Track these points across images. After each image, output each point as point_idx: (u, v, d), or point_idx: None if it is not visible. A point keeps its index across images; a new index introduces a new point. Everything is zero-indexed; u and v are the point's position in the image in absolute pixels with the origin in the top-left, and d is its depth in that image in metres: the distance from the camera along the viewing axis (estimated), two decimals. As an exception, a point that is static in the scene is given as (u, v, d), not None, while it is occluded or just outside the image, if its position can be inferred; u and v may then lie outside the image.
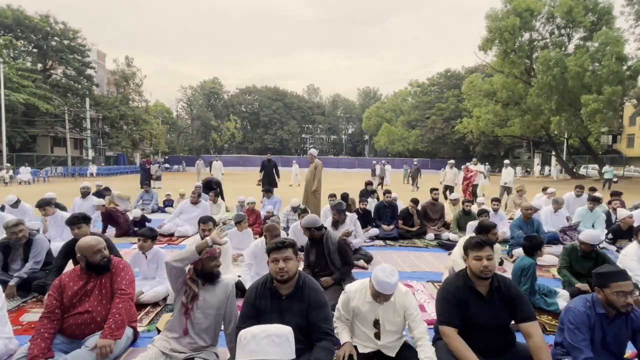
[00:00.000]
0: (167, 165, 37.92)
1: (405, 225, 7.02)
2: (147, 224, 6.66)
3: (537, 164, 38.51)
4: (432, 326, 2.73)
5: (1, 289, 2.69)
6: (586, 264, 3.85)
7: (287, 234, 6.09)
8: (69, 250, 3.64)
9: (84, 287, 2.57)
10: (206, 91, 60.60)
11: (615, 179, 20.21)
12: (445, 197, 10.41)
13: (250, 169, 34.50)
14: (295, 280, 2.28)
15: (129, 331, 2.71)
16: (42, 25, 31.84)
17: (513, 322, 2.35)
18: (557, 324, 3.24)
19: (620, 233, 5.73)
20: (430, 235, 6.85)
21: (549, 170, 35.51)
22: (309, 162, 8.11)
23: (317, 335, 2.21)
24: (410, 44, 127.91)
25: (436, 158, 46.90)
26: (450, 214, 7.46)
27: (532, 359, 2.19)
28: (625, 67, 22.75)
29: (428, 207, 7.48)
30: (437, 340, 2.43)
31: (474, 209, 6.94)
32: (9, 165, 24.13)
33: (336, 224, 5.45)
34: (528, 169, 37.08)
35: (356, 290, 2.47)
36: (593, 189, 7.63)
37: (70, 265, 3.69)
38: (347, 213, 5.76)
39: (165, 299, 3.69)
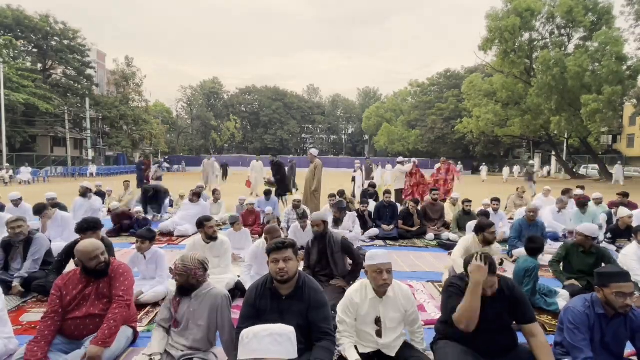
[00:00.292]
0: (167, 165, 37.89)
1: (405, 225, 7.02)
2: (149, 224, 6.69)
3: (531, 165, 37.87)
4: (432, 326, 2.73)
5: (1, 289, 2.69)
6: (587, 261, 3.85)
7: (287, 234, 6.12)
8: (70, 251, 3.64)
9: (82, 291, 2.57)
10: (206, 91, 60.59)
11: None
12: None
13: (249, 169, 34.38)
14: (295, 280, 2.29)
15: (128, 331, 2.71)
16: (42, 25, 31.84)
17: (514, 322, 2.36)
18: (557, 324, 3.25)
19: (619, 232, 5.72)
20: (430, 235, 6.85)
21: (547, 170, 35.53)
22: (309, 162, 8.13)
23: (317, 335, 2.22)
24: (410, 44, 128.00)
25: (436, 158, 46.87)
26: (450, 214, 7.47)
27: (533, 359, 2.20)
28: (625, 67, 22.76)
29: (428, 207, 7.49)
30: (439, 340, 2.43)
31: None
32: (8, 165, 24.14)
33: (337, 222, 5.51)
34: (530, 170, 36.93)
35: (356, 290, 2.47)
36: (581, 187, 7.60)
37: (70, 265, 3.70)
38: (347, 211, 5.81)
39: (165, 298, 3.68)
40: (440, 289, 4.11)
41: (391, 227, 6.88)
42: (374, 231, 6.78)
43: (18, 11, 30.84)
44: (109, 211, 9.32)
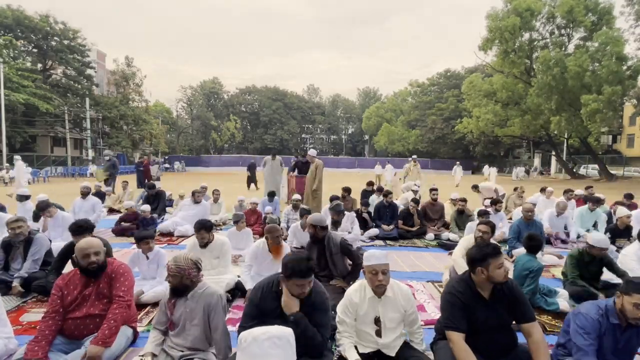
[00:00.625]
0: (167, 165, 37.89)
1: (405, 225, 7.02)
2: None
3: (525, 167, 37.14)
4: (432, 326, 2.73)
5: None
6: (592, 268, 3.84)
7: (287, 234, 6.12)
8: (68, 251, 3.64)
9: (82, 291, 2.57)
10: (206, 91, 60.56)
11: None
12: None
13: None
14: None
15: (128, 331, 2.71)
16: (42, 25, 31.83)
17: (514, 322, 2.36)
18: (557, 324, 3.25)
19: (618, 232, 5.72)
20: (430, 235, 6.85)
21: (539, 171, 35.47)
22: (309, 162, 8.13)
23: None
24: (410, 44, 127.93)
25: (436, 158, 46.90)
26: (450, 214, 7.47)
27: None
28: (625, 67, 22.77)
29: (428, 207, 7.49)
30: (438, 340, 2.43)
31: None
32: (8, 165, 24.13)
33: (336, 224, 5.50)
34: (527, 169, 36.70)
35: (355, 290, 2.47)
36: (589, 187, 7.61)
37: (69, 266, 3.70)
38: (345, 212, 5.80)
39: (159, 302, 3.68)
40: (441, 289, 4.12)
41: (391, 227, 6.88)
42: (374, 231, 6.78)
43: (18, 11, 30.82)
44: (111, 210, 9.36)
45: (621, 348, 2.23)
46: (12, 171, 15.97)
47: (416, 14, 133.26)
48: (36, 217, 6.30)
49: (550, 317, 3.41)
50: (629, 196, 7.35)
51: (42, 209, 5.48)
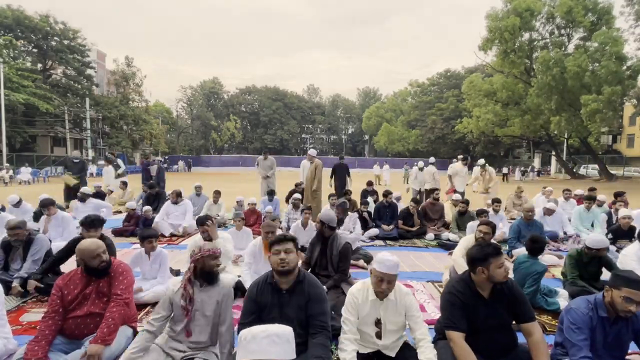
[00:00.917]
0: (166, 165, 37.89)
1: (405, 225, 7.02)
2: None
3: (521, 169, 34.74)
4: (432, 326, 2.73)
5: (1, 290, 2.69)
6: (591, 268, 3.84)
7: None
8: (73, 248, 3.64)
9: (82, 290, 2.57)
10: (206, 91, 60.61)
11: None
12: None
13: (251, 169, 34.46)
14: (295, 274, 2.33)
15: (128, 331, 2.71)
16: (42, 25, 31.84)
17: (514, 322, 2.36)
18: (557, 324, 3.26)
19: (621, 233, 5.72)
20: (430, 235, 6.86)
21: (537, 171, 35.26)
22: (309, 162, 8.14)
23: (313, 330, 2.24)
24: (410, 44, 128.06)
25: (436, 158, 46.95)
26: (450, 214, 7.47)
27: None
28: (624, 67, 22.78)
29: (428, 207, 7.49)
30: (439, 340, 2.43)
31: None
32: (8, 165, 24.15)
33: (340, 222, 5.57)
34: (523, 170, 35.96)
35: (358, 290, 2.47)
36: (593, 189, 7.63)
37: (70, 265, 3.70)
38: (348, 212, 5.85)
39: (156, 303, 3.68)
40: (440, 289, 4.12)
41: (391, 227, 6.88)
42: (374, 231, 6.78)
43: (18, 11, 30.83)
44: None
45: (611, 341, 2.24)
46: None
47: (416, 14, 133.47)
48: (36, 218, 6.30)
49: (550, 317, 3.42)
50: (620, 194, 7.37)
51: (45, 206, 5.52)
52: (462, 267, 3.69)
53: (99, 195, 9.86)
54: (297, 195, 7.28)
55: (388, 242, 6.60)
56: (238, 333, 1.92)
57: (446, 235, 6.72)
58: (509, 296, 2.31)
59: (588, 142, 28.90)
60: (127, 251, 5.55)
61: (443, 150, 46.83)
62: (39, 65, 34.06)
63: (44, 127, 32.59)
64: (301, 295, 2.29)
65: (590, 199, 6.80)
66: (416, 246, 6.39)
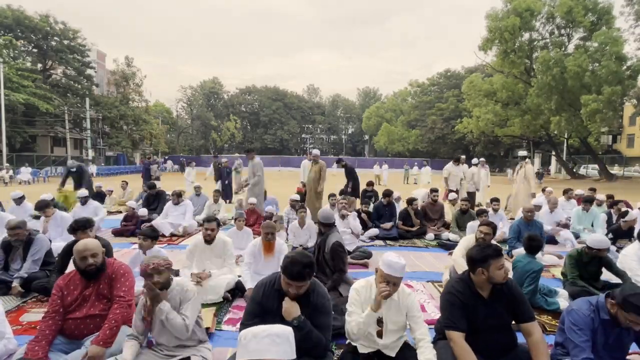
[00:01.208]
0: (166, 165, 37.88)
1: (404, 225, 7.03)
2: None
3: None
4: (432, 326, 2.73)
5: None
6: (591, 268, 3.84)
7: (287, 234, 6.14)
8: (69, 250, 3.65)
9: (82, 292, 2.57)
10: (206, 91, 60.61)
11: None
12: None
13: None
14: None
15: (128, 331, 2.70)
16: (42, 25, 31.84)
17: (513, 322, 2.36)
18: (557, 324, 3.25)
19: (621, 233, 5.74)
20: (430, 235, 6.86)
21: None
22: (313, 163, 8.14)
23: None
24: (410, 44, 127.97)
25: (436, 158, 46.92)
26: (449, 214, 7.48)
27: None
28: (624, 67, 22.77)
29: (428, 207, 7.49)
30: (438, 340, 2.43)
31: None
32: (8, 165, 24.15)
33: (343, 217, 5.87)
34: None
35: (362, 287, 2.46)
36: (592, 189, 7.65)
37: (72, 265, 3.71)
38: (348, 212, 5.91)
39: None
40: (440, 289, 4.12)
41: (389, 225, 6.87)
42: (374, 231, 6.79)
43: (18, 11, 30.83)
44: (110, 212, 9.37)
45: (612, 343, 2.24)
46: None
47: (416, 14, 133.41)
48: (39, 208, 6.29)
49: (550, 317, 3.42)
50: (610, 196, 7.46)
51: (41, 208, 5.51)
52: (462, 267, 3.68)
53: (99, 195, 9.88)
54: (296, 196, 7.28)
55: (388, 242, 6.60)
56: (239, 332, 1.92)
57: (446, 235, 6.72)
58: (508, 296, 2.32)
59: (588, 142, 28.89)
60: (127, 251, 5.56)
61: (443, 150, 46.80)
62: (39, 65, 34.06)
63: (44, 127, 32.59)
64: (307, 306, 2.25)
65: (588, 201, 6.80)
66: (416, 246, 6.39)
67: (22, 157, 28.23)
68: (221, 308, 3.61)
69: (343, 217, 5.93)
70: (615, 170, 29.92)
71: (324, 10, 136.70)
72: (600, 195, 7.55)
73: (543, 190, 8.32)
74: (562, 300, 3.61)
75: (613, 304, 2.18)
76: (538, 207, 6.56)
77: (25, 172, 21.42)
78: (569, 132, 28.48)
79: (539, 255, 3.94)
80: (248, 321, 2.21)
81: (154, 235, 3.87)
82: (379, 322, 2.40)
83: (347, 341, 2.53)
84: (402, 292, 2.43)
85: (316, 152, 8.35)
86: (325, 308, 2.29)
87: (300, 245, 5.55)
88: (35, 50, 33.64)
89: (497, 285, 2.31)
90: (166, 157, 43.19)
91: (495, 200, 7.01)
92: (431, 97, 50.36)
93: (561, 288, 3.87)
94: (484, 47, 28.31)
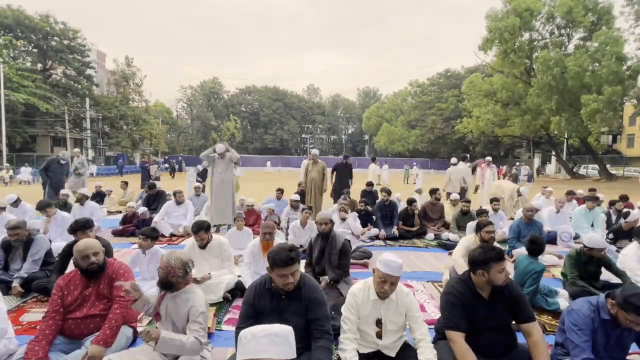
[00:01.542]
0: (166, 165, 37.85)
1: (405, 225, 7.02)
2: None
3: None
4: (432, 326, 2.73)
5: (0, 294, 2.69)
6: (590, 268, 3.84)
7: (287, 234, 6.14)
8: (70, 250, 3.65)
9: (82, 292, 2.57)
10: (206, 91, 60.64)
11: None
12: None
13: (250, 169, 34.44)
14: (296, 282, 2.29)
15: (128, 331, 2.71)
16: (42, 25, 31.83)
17: (513, 322, 2.36)
18: (557, 324, 3.25)
19: (621, 234, 5.73)
20: (430, 235, 6.85)
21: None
22: (312, 163, 8.16)
23: (316, 334, 2.23)
24: (410, 44, 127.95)
25: (436, 158, 46.93)
26: (450, 214, 7.47)
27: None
28: (625, 67, 22.76)
29: (428, 207, 7.48)
30: (438, 340, 2.43)
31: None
32: (8, 165, 24.14)
33: (343, 219, 5.89)
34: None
35: (359, 290, 2.46)
36: (593, 189, 7.64)
37: (72, 265, 3.70)
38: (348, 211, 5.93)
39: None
40: (440, 289, 4.12)
41: (382, 232, 6.76)
42: (374, 231, 6.78)
43: (18, 11, 30.82)
44: (110, 212, 9.37)
45: (613, 343, 2.24)
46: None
47: (416, 14, 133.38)
48: (40, 208, 6.24)
49: (550, 317, 3.42)
50: (624, 197, 7.44)
51: (42, 208, 5.51)
52: (462, 267, 3.69)
53: (99, 195, 9.87)
54: (296, 197, 7.28)
55: (388, 242, 6.60)
56: (236, 336, 1.92)
57: (446, 235, 6.71)
58: (508, 296, 2.32)
59: (588, 142, 28.87)
60: (127, 251, 5.55)
61: (443, 150, 46.80)
62: (39, 65, 34.04)
63: (44, 127, 32.58)
64: (300, 301, 2.26)
65: (591, 199, 6.80)
66: (416, 246, 6.39)
67: (22, 157, 28.21)
68: (221, 308, 3.61)
69: (343, 219, 5.92)
70: (615, 170, 29.85)
71: (324, 10, 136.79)
72: (600, 195, 7.55)
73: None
74: (563, 300, 3.61)
75: (613, 304, 2.18)
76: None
77: (25, 172, 21.42)
78: (569, 132, 28.46)
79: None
80: (242, 323, 2.20)
81: (154, 235, 3.87)
82: (378, 323, 2.40)
83: None
84: (401, 291, 2.44)
85: (315, 151, 8.39)
86: (320, 300, 2.30)
87: (301, 246, 5.55)
88: (35, 50, 33.62)
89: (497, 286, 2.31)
90: (166, 157, 43.17)
91: (495, 200, 7.01)
92: (431, 97, 50.32)
93: (561, 288, 3.86)
94: (484, 47, 28.31)
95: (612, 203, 7.15)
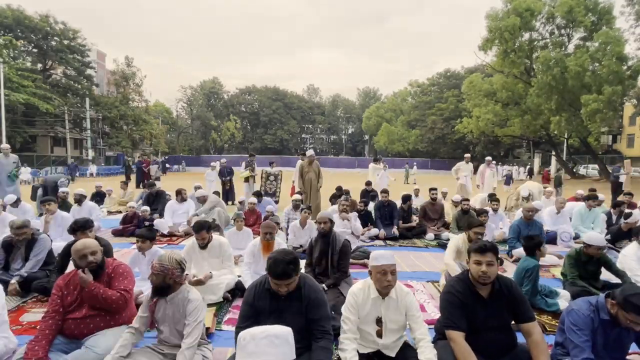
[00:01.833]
0: (167, 165, 37.83)
1: (404, 223, 7.03)
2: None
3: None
4: (432, 326, 2.73)
5: (2, 290, 2.68)
6: (590, 268, 3.84)
7: (287, 234, 6.14)
8: (69, 251, 3.65)
9: (81, 292, 2.57)
10: (206, 91, 60.56)
11: None
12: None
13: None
14: (296, 282, 2.29)
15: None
16: (42, 25, 31.83)
17: (513, 322, 2.36)
18: (557, 324, 3.25)
19: (621, 234, 5.72)
20: (430, 235, 6.85)
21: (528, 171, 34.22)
22: (308, 163, 8.20)
23: (316, 334, 2.23)
24: (410, 44, 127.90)
25: (436, 158, 46.91)
26: (450, 213, 7.47)
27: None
28: (625, 67, 22.72)
29: (427, 207, 7.48)
30: (438, 340, 2.43)
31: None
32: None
33: (343, 218, 5.96)
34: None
35: (359, 289, 2.47)
36: (593, 189, 7.64)
37: (72, 265, 3.70)
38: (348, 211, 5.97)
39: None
40: (440, 289, 4.12)
41: (382, 232, 6.77)
42: (374, 231, 6.78)
43: (18, 11, 30.81)
44: (110, 212, 9.37)
45: (612, 343, 2.24)
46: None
47: (416, 14, 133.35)
48: (43, 203, 6.25)
49: (550, 317, 3.41)
50: (628, 194, 7.41)
51: (43, 202, 5.51)
52: (455, 270, 3.70)
53: (99, 195, 9.87)
54: (298, 197, 7.29)
55: (388, 242, 6.60)
56: (236, 336, 1.92)
57: (446, 235, 6.70)
58: (508, 296, 2.32)
59: (588, 142, 28.84)
60: (127, 251, 5.55)
61: (443, 150, 46.79)
62: (39, 65, 34.04)
63: (44, 127, 32.58)
64: (300, 301, 2.26)
65: (591, 198, 6.80)
66: (416, 246, 6.39)
67: (22, 157, 27.80)
68: (221, 308, 3.61)
69: (344, 218, 5.95)
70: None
71: (324, 10, 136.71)
72: (600, 195, 7.54)
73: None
74: (563, 301, 3.60)
75: (613, 304, 2.18)
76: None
77: (25, 172, 21.39)
78: (569, 132, 28.41)
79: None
80: (242, 324, 2.20)
81: (151, 236, 3.85)
82: (378, 321, 2.40)
83: None
84: (401, 291, 2.44)
85: (310, 152, 8.52)
86: (320, 300, 2.30)
87: (301, 246, 5.55)
88: (35, 50, 33.61)
89: (496, 284, 2.32)
90: (166, 157, 43.14)
91: (495, 200, 7.01)
92: (431, 97, 50.29)
93: (561, 288, 3.86)
94: (484, 47, 28.27)
95: (616, 205, 7.04)
